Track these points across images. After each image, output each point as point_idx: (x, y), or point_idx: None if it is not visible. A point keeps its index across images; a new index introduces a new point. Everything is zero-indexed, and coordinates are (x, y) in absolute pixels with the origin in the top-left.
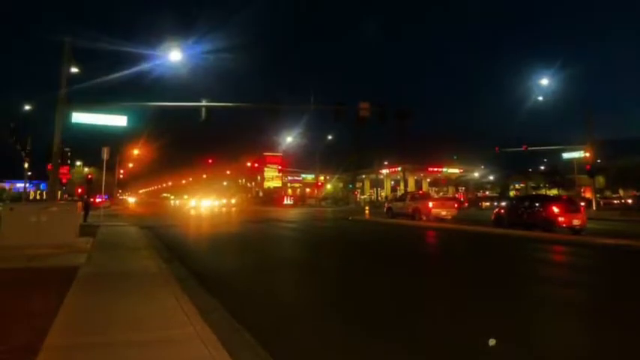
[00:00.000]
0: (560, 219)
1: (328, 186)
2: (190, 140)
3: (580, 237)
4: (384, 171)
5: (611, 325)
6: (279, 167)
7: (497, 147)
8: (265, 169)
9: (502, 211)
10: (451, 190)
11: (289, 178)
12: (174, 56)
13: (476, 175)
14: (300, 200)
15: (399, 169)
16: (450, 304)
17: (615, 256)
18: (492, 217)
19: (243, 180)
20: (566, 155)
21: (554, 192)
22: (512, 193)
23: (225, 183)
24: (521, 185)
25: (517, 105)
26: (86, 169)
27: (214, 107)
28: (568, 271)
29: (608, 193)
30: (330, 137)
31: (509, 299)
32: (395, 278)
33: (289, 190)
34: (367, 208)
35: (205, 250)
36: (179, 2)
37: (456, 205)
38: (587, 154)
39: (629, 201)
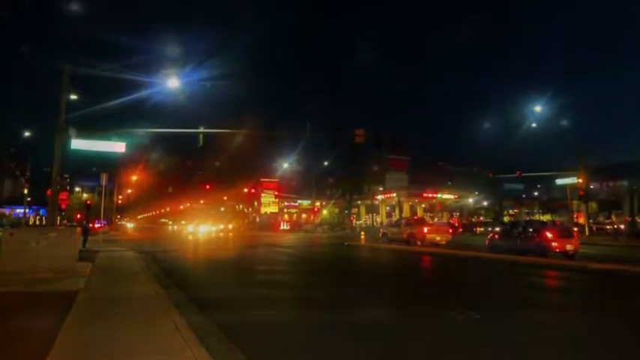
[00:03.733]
0: (554, 244)
1: (324, 212)
2: (189, 166)
3: (573, 262)
4: (380, 197)
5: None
6: (276, 193)
7: (491, 174)
8: (262, 194)
9: (496, 236)
10: (445, 215)
11: (286, 203)
12: (172, 83)
13: (470, 200)
14: (296, 226)
15: (394, 195)
16: (447, 327)
17: (607, 280)
18: (487, 243)
19: (241, 205)
20: (559, 181)
21: (547, 217)
22: (506, 219)
23: (222, 209)
24: (515, 211)
25: (511, 132)
26: (85, 195)
27: (211, 133)
28: (562, 295)
29: (600, 219)
30: (326, 163)
31: (506, 323)
32: (392, 303)
33: (286, 216)
34: (363, 233)
35: (204, 275)
36: (178, 30)
37: (450, 231)
38: (580, 180)
39: (622, 226)
